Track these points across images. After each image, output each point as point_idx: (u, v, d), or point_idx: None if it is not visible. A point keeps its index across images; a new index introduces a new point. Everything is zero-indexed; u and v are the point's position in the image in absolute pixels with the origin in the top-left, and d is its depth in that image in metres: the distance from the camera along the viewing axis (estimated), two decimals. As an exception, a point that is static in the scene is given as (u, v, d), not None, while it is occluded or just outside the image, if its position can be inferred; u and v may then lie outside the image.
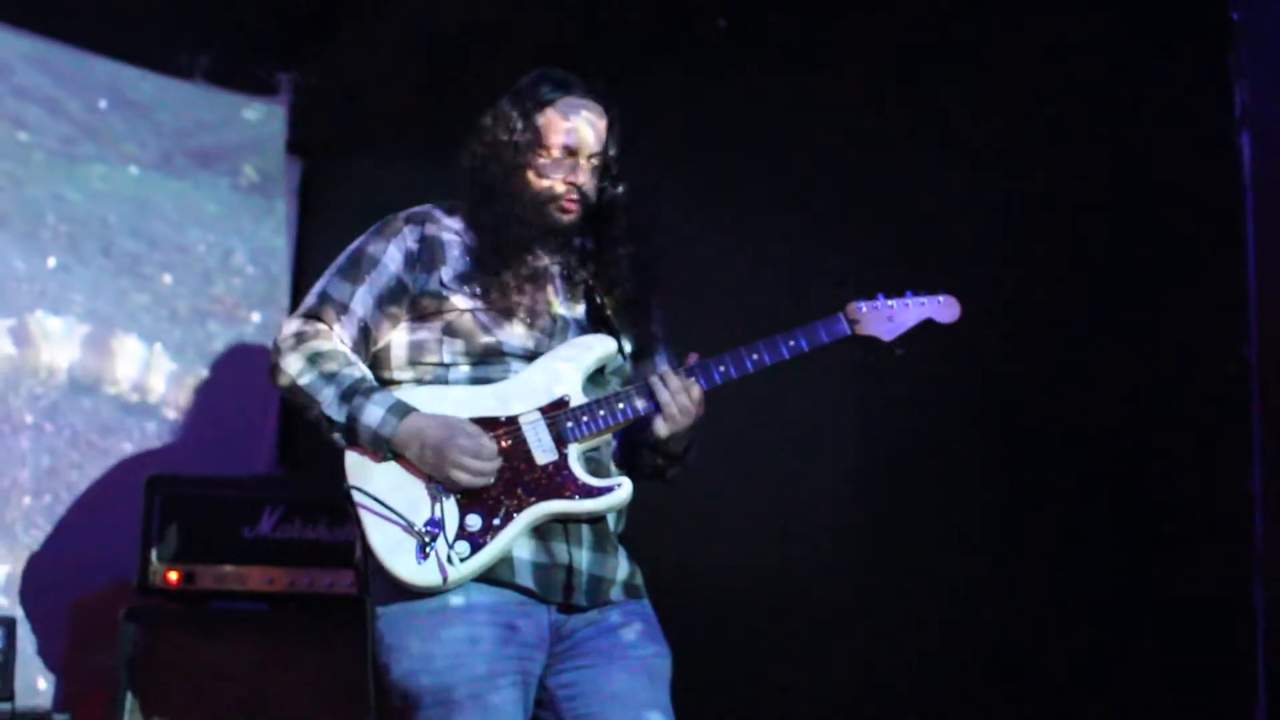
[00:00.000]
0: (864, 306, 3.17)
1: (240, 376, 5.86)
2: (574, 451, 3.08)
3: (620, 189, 3.26)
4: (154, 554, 4.72)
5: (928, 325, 3.18)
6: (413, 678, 2.99)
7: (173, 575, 4.71)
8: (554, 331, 3.18)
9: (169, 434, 5.67)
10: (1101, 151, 4.00)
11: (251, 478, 5.33)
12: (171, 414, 5.67)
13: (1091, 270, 4.00)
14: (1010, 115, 4.17)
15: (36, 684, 5.11)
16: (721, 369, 3.12)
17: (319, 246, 5.96)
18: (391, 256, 3.19)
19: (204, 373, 5.81)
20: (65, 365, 5.44)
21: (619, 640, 3.11)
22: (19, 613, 4.97)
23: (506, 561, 3.03)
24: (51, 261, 5.46)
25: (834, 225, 4.49)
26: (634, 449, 3.27)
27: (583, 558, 3.10)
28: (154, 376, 5.69)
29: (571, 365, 3.14)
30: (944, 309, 3.20)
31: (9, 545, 5.17)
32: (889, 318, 3.17)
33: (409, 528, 3.00)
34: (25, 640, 5.02)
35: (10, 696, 4.45)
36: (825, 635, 4.39)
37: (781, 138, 4.66)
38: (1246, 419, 3.69)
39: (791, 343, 3.13)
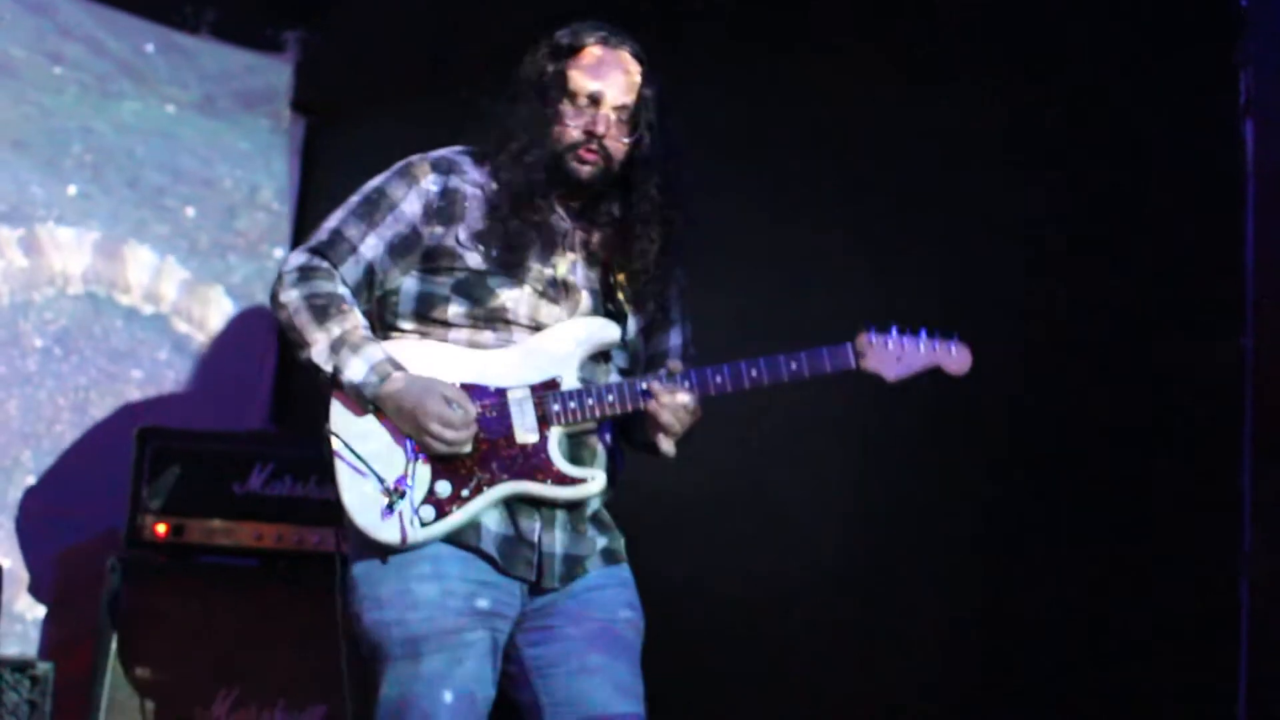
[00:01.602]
0: (874, 339, 3.06)
1: (238, 335, 5.86)
2: (555, 434, 3.05)
3: (652, 150, 3.16)
4: (143, 506, 4.72)
5: (935, 372, 3.10)
6: (383, 628, 3.00)
7: (161, 528, 4.71)
8: (561, 299, 3.14)
9: (164, 385, 5.67)
10: (1105, 138, 3.98)
11: (243, 433, 5.33)
12: (183, 327, 5.71)
13: (1090, 259, 3.98)
14: (1014, 102, 4.15)
15: (22, 632, 5.11)
16: (719, 380, 3.06)
17: (321, 206, 5.93)
18: (410, 203, 3.12)
19: (221, 302, 5.85)
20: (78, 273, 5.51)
21: (590, 603, 3.10)
22: (5, 561, 4.96)
23: (474, 527, 3.02)
24: (72, 189, 5.51)
25: (836, 215, 4.48)
26: (632, 426, 3.22)
27: (555, 539, 3.08)
28: (165, 284, 5.75)
29: (570, 346, 3.10)
30: (954, 360, 3.10)
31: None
32: (898, 358, 3.07)
33: (380, 483, 3.00)
34: (11, 589, 5.03)
35: (-6, 644, 4.47)
36: (825, 636, 4.40)
37: (786, 129, 4.64)
38: (1240, 414, 3.67)
39: (793, 365, 3.05)
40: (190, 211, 5.81)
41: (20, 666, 4.58)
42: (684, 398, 3.04)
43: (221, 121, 5.90)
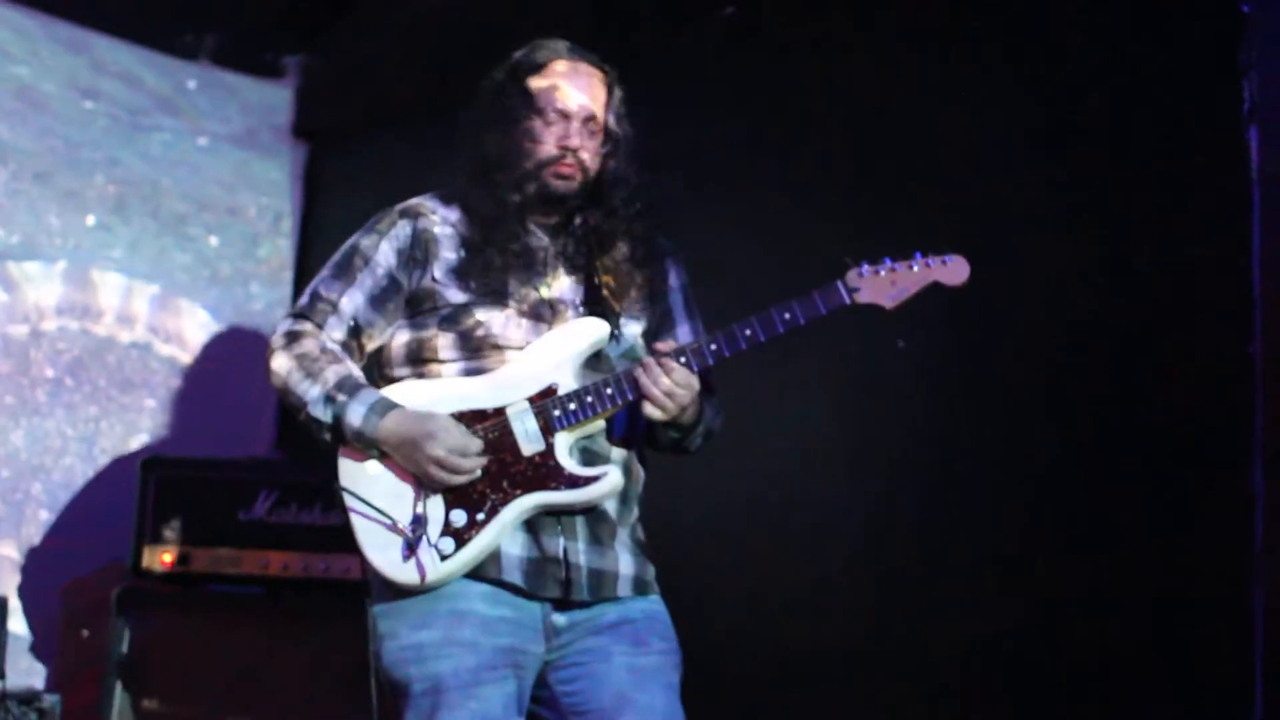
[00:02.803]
0: (866, 271, 3.00)
1: (242, 360, 5.85)
2: (562, 441, 3.01)
3: (622, 159, 3.16)
4: (148, 535, 4.70)
5: (934, 289, 3.02)
6: (402, 667, 2.96)
7: (167, 557, 4.70)
8: (549, 318, 3.11)
9: (170, 414, 5.67)
10: (1109, 143, 3.96)
11: (247, 460, 5.30)
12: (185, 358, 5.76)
13: (1095, 265, 3.96)
14: (1016, 108, 4.14)
15: (28, 664, 5.10)
16: (713, 347, 2.99)
17: (323, 231, 5.95)
18: (384, 254, 3.13)
19: (241, 331, 5.91)
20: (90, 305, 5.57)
21: (623, 637, 3.03)
22: (11, 592, 4.95)
23: (494, 558, 2.97)
24: (90, 220, 5.58)
25: (837, 211, 4.47)
26: (655, 428, 3.15)
27: (579, 551, 3.02)
28: (185, 326, 5.81)
29: (562, 352, 3.06)
30: (951, 271, 3.01)
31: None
32: (892, 283, 2.99)
33: (393, 525, 2.96)
34: (17, 620, 5.02)
35: (1, 675, 4.44)
36: (826, 637, 4.37)
37: (787, 122, 4.64)
38: (1250, 416, 3.65)
39: (786, 315, 2.98)
40: (214, 240, 5.88)
41: (27, 699, 4.57)
42: (677, 373, 2.96)
43: (253, 152, 5.99)
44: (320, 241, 5.89)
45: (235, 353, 5.83)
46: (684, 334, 3.26)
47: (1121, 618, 3.84)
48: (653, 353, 3.06)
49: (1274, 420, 3.60)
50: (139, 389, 5.62)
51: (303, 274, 5.88)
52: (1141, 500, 3.84)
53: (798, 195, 4.58)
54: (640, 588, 3.11)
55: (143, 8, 5.67)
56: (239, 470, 4.91)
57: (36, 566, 5.20)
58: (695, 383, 3.01)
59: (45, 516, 5.28)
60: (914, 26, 4.42)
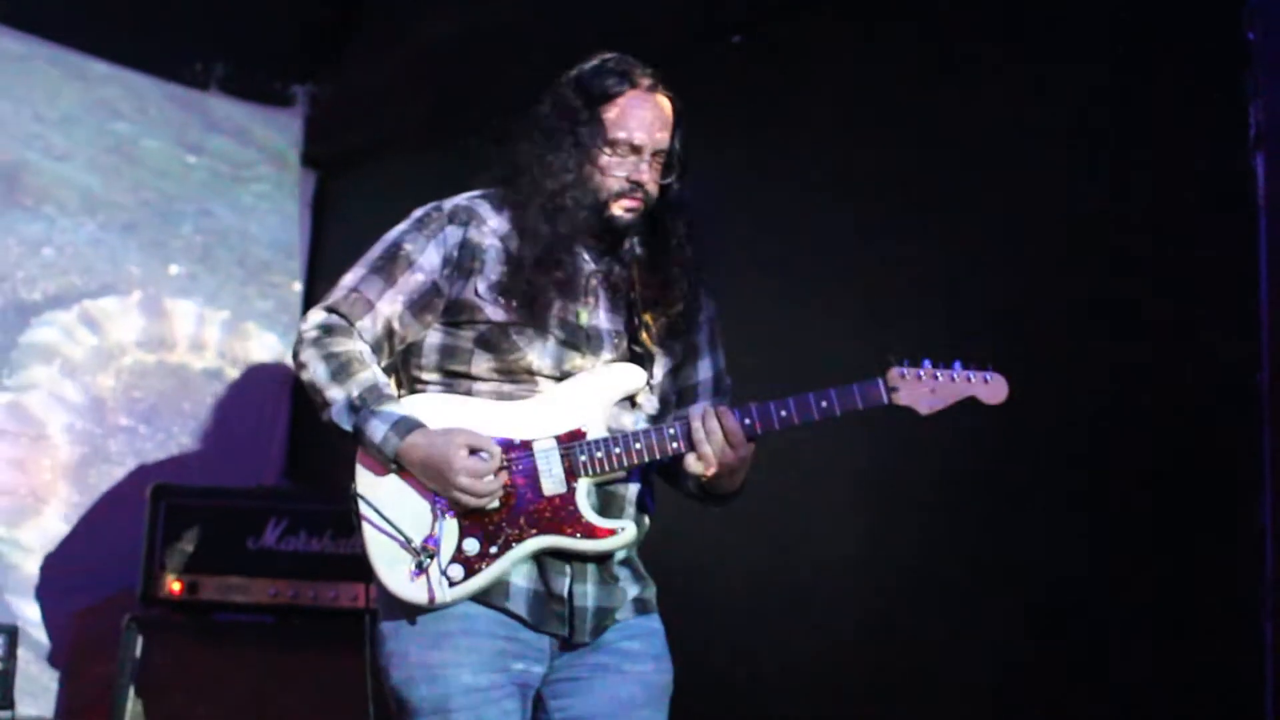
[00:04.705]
0: (906, 373, 2.97)
1: (251, 391, 5.87)
2: (583, 486, 2.99)
3: (683, 188, 3.13)
4: (158, 564, 4.71)
5: (969, 403, 3.00)
6: (411, 685, 2.96)
7: (176, 585, 4.71)
8: (587, 348, 3.08)
9: (179, 443, 5.68)
10: (1114, 172, 3.96)
11: (256, 489, 5.30)
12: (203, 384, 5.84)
13: (1102, 292, 3.96)
14: (1021, 136, 4.14)
15: (38, 693, 5.10)
16: (747, 422, 2.97)
17: (332, 260, 5.96)
18: (429, 258, 3.07)
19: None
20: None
21: (618, 653, 3.05)
22: (21, 621, 4.96)
23: (501, 587, 2.97)
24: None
25: (849, 235, 4.48)
26: (676, 472, 3.15)
27: (587, 593, 3.03)
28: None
29: (596, 395, 3.04)
30: (990, 390, 3.00)
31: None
32: (931, 390, 2.97)
33: (406, 543, 2.95)
34: (28, 649, 5.02)
35: (11, 705, 4.45)
36: (828, 638, 4.37)
37: (798, 157, 4.65)
38: (1258, 447, 3.63)
39: (824, 404, 2.95)
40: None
41: (37, 728, 4.57)
42: (729, 425, 2.94)
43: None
44: (328, 269, 5.91)
45: (245, 382, 5.86)
46: (704, 368, 3.24)
47: (1130, 652, 3.82)
48: (688, 403, 3.11)
49: (1281, 448, 3.60)
50: (151, 416, 5.66)
51: (311, 303, 5.89)
52: (1150, 530, 3.83)
53: (807, 224, 4.59)
54: (641, 606, 3.13)
55: (153, 38, 5.71)
56: (248, 498, 4.92)
57: (47, 594, 5.20)
58: (745, 447, 2.98)
59: (54, 544, 5.29)
60: (916, 53, 4.43)
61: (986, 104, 4.24)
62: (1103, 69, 4.01)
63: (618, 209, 3.07)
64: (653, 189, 3.09)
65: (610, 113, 3.06)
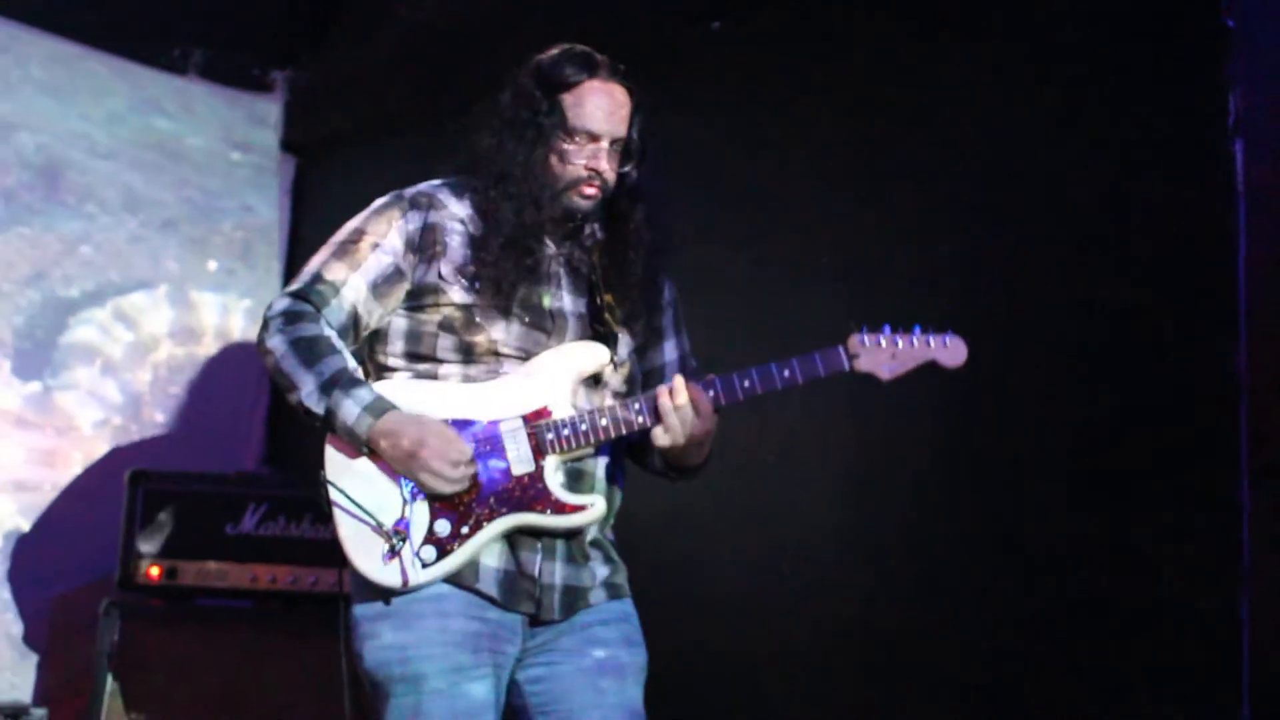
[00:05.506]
0: (866, 340, 3.03)
1: (233, 374, 5.86)
2: (551, 463, 3.03)
3: (639, 175, 3.18)
4: (136, 549, 4.69)
5: (930, 367, 3.06)
6: (385, 667, 2.97)
7: (155, 571, 4.70)
8: (552, 329, 3.12)
9: (158, 428, 5.67)
10: (1094, 158, 3.97)
11: (234, 474, 5.27)
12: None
13: (1082, 277, 3.97)
14: (1003, 121, 4.15)
15: (16, 679, 5.09)
16: (711, 394, 3.02)
17: (311, 246, 5.94)
18: (391, 243, 3.10)
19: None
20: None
21: (592, 638, 3.08)
22: (-1, 606, 4.96)
23: (472, 567, 2.99)
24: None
25: (827, 231, 4.48)
26: (644, 449, 3.20)
27: (555, 571, 3.06)
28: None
29: (560, 374, 3.07)
30: (950, 353, 3.06)
31: None
32: (892, 355, 3.03)
33: (378, 527, 2.97)
34: (4, 634, 5.01)
35: (-12, 690, 4.44)
36: (823, 638, 4.37)
37: (776, 141, 4.65)
38: (1235, 429, 3.65)
39: (786, 373, 3.01)
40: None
41: (14, 713, 4.56)
42: (694, 395, 2.99)
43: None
44: (306, 255, 5.89)
45: (223, 366, 5.84)
46: (669, 350, 3.30)
47: (1110, 632, 3.84)
48: (654, 385, 3.09)
49: (1259, 433, 3.61)
50: (125, 402, 5.64)
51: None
52: (1128, 515, 3.84)
53: (785, 207, 4.60)
54: (613, 591, 3.15)
55: (131, 24, 5.68)
56: (227, 484, 4.91)
57: (24, 580, 5.19)
58: (711, 418, 3.03)
59: (31, 530, 5.27)
60: (901, 46, 4.44)
61: (965, 90, 4.25)
62: (1082, 56, 4.02)
63: (577, 196, 3.12)
64: (611, 176, 3.14)
65: (569, 101, 3.12)
